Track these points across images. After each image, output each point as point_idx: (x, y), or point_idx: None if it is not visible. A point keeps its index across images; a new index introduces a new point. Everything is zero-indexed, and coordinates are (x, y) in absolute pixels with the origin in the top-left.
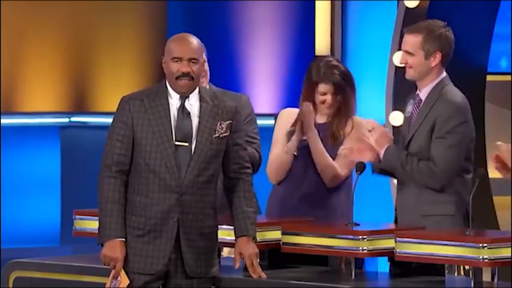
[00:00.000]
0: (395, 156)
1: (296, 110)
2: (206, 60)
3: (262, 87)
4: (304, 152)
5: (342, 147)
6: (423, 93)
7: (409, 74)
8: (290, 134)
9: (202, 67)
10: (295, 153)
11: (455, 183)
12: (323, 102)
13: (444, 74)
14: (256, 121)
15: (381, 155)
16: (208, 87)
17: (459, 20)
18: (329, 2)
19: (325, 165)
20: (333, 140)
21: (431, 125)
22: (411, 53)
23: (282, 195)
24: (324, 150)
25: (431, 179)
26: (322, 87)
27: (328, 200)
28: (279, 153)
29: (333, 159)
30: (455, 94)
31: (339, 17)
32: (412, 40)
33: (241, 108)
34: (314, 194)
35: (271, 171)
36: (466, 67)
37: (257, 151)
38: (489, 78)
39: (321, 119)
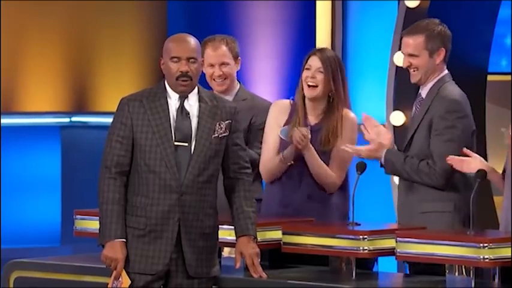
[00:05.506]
0: (396, 159)
1: (288, 102)
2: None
3: (263, 88)
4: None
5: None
6: (424, 91)
7: (415, 78)
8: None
9: (200, 67)
10: (292, 162)
11: (456, 179)
12: (310, 78)
13: (445, 71)
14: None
15: (382, 158)
16: (238, 88)
17: (459, 20)
18: (330, 2)
19: (324, 177)
20: (327, 142)
21: (429, 123)
22: (415, 55)
23: (280, 196)
24: (322, 163)
25: (431, 178)
26: (311, 59)
27: (327, 202)
28: (272, 158)
29: (327, 159)
30: (453, 90)
31: (339, 17)
32: (413, 42)
33: (258, 114)
34: (312, 195)
35: (264, 173)
36: (466, 67)
37: (259, 155)
38: (489, 78)
39: (314, 120)
